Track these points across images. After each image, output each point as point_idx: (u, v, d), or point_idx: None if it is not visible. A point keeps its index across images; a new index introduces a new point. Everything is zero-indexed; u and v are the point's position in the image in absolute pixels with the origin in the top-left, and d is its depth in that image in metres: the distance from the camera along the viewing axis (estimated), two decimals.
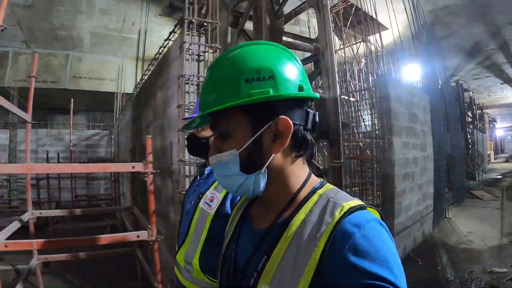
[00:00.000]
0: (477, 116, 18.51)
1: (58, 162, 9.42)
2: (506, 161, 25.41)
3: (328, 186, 0.69)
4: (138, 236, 2.78)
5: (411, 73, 10.05)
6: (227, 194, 1.33)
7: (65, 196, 8.79)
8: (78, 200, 9.43)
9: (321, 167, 6.02)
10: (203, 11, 2.83)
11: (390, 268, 0.52)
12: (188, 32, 2.61)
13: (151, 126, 4.34)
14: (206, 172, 1.49)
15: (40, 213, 3.81)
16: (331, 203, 0.61)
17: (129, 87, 10.05)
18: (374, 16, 7.70)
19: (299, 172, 0.70)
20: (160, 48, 4.52)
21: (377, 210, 0.63)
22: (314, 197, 0.65)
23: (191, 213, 1.40)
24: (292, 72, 0.67)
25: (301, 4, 6.09)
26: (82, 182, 10.01)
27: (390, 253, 0.54)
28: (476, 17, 8.82)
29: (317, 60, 6.23)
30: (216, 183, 1.38)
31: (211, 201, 1.34)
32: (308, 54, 6.37)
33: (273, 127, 0.64)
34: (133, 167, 2.69)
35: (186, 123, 0.86)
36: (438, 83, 8.82)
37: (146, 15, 7.98)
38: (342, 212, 0.58)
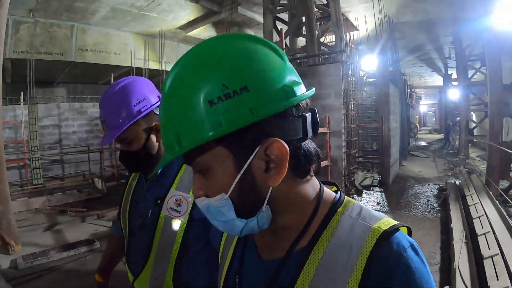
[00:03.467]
0: (408, 94, 22.54)
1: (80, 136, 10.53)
2: (429, 133, 31.26)
3: (349, 201, 0.58)
4: None
5: (369, 63, 12.40)
6: None
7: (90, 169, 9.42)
8: (107, 172, 9.84)
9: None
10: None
11: None
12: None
13: None
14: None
15: None
16: (358, 225, 0.52)
17: (131, 60, 10.86)
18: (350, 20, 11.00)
19: (309, 191, 0.56)
20: None
21: (406, 227, 0.54)
22: (336, 218, 0.54)
23: (151, 226, 1.11)
24: (274, 72, 0.49)
25: (326, 22, 9.12)
26: (107, 154, 10.37)
27: None
28: (424, 30, 12.46)
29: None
30: (176, 182, 1.13)
31: (179, 205, 1.08)
32: None
33: (262, 153, 0.48)
34: None
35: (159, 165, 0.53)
36: (401, 75, 12.53)
37: None
38: (375, 238, 0.49)
